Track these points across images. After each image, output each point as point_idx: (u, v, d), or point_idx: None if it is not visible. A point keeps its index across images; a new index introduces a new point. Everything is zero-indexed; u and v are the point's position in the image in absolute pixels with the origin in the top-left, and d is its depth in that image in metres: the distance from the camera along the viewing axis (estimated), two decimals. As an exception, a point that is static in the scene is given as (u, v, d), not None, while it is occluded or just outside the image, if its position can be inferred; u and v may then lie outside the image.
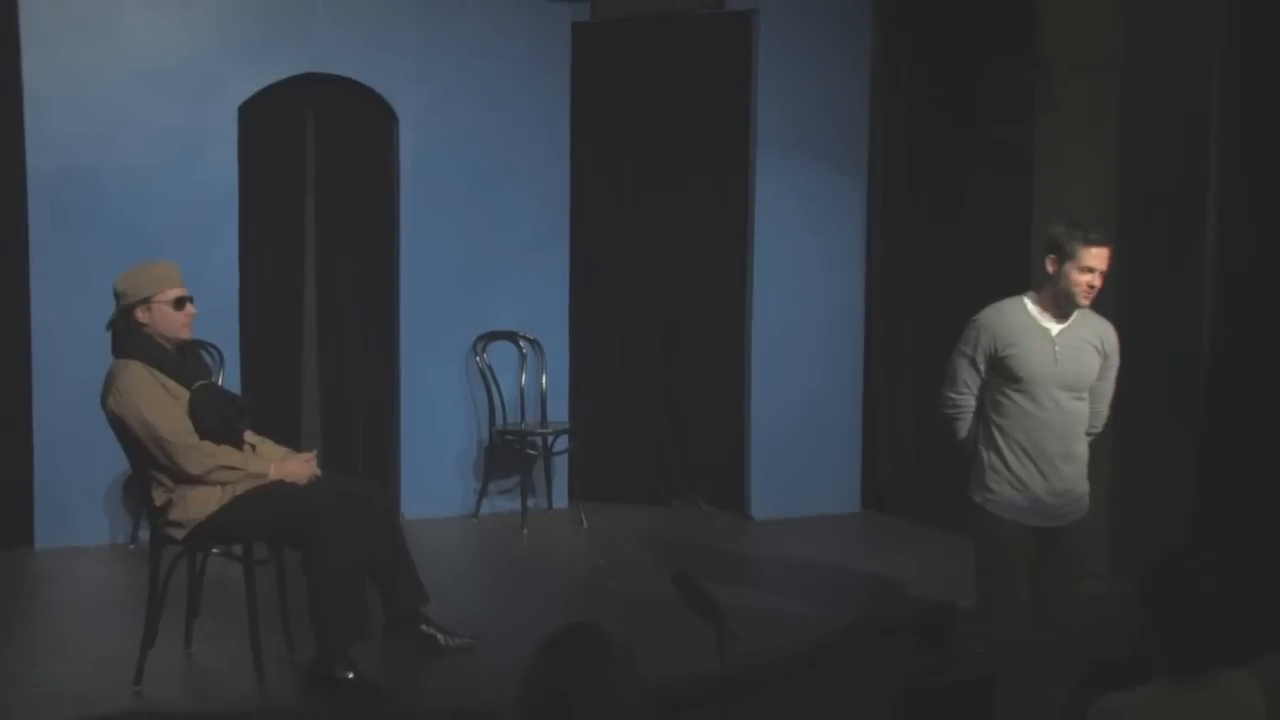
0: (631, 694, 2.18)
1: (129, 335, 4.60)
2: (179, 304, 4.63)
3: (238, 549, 4.72)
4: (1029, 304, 4.36)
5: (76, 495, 6.45)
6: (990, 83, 6.59)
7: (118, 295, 4.63)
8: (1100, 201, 5.93)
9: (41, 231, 6.44)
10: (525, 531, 6.93)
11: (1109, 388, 4.49)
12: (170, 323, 4.61)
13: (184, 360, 4.69)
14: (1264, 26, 5.18)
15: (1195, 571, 2.66)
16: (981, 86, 6.67)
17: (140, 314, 4.59)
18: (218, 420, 4.56)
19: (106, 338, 6.42)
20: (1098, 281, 4.28)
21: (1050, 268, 4.30)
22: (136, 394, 4.49)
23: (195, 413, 4.54)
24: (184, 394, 4.57)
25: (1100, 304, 4.70)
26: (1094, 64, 5.95)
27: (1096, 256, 4.25)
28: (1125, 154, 5.91)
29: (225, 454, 4.55)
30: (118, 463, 5.79)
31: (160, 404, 4.50)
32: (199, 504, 4.54)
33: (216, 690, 4.76)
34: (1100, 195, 5.94)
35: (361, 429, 7.17)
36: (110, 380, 4.57)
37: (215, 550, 4.79)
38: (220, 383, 5.73)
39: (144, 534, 5.91)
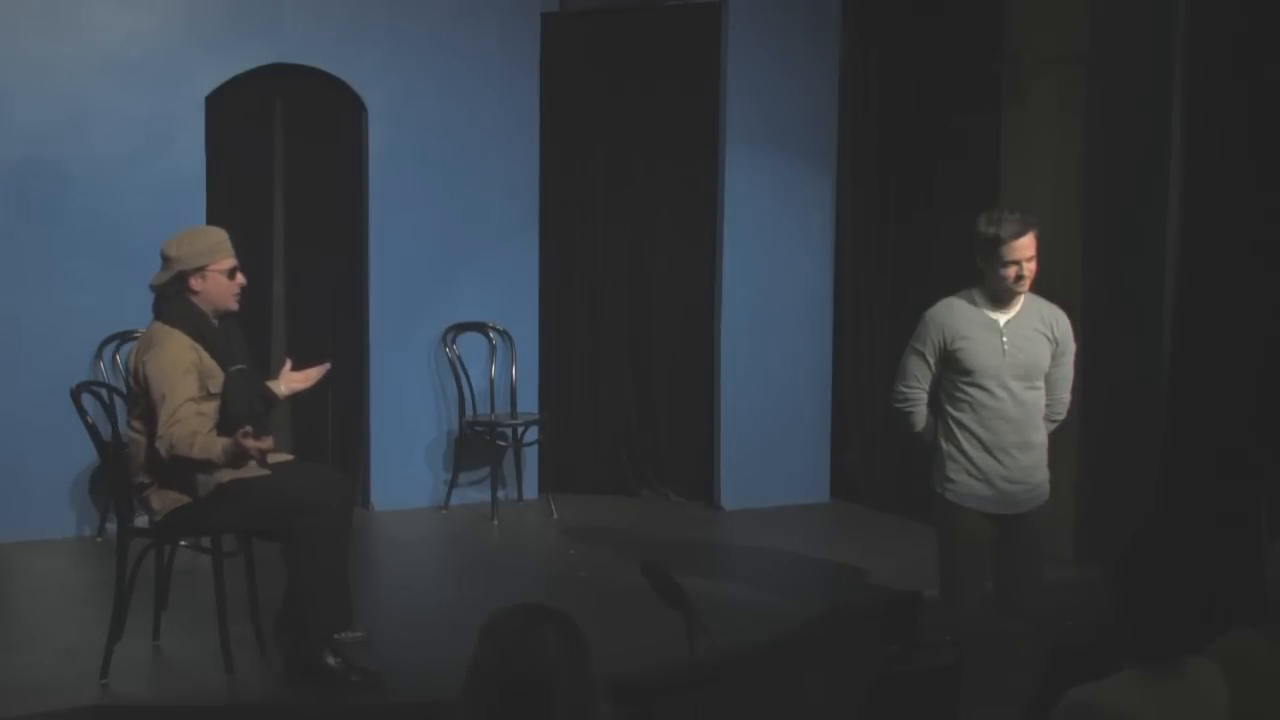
0: (596, 681, 2.20)
1: (178, 300, 4.56)
2: (232, 274, 4.63)
3: (206, 541, 4.70)
4: (977, 297, 4.42)
5: (42, 488, 6.40)
6: (958, 75, 6.64)
7: (169, 259, 4.59)
8: (1066, 192, 5.98)
9: (7, 222, 6.38)
10: (495, 523, 6.93)
11: (1066, 374, 4.54)
12: (224, 292, 4.60)
13: (227, 336, 4.65)
14: (1225, 20, 5.24)
15: (1166, 559, 2.69)
16: (949, 78, 6.72)
17: (195, 281, 4.57)
18: (246, 410, 4.50)
19: (76, 329, 6.41)
20: (1027, 270, 4.33)
21: (980, 265, 4.38)
22: (171, 368, 4.43)
23: (226, 397, 4.50)
24: (218, 374, 4.53)
25: (1065, 294, 4.75)
26: (1060, 57, 6.00)
27: (1016, 249, 4.31)
28: (1090, 146, 5.97)
29: (201, 448, 4.45)
30: (85, 455, 5.78)
31: (184, 389, 4.42)
32: (176, 498, 4.53)
33: (185, 683, 4.75)
34: (1066, 186, 6.00)
35: (331, 420, 7.15)
36: (150, 341, 4.53)
37: (184, 543, 4.77)
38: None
39: (111, 527, 5.88)
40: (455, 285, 7.19)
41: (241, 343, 4.74)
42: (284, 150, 7.05)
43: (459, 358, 7.17)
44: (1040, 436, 4.49)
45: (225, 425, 4.49)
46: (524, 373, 7.33)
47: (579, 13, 7.38)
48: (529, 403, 7.33)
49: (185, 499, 4.51)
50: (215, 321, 4.62)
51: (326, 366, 4.86)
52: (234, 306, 4.67)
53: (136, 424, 4.58)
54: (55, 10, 6.42)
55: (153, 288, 4.63)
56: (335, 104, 6.99)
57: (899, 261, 7.06)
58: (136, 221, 6.40)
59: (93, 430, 4.70)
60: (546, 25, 7.27)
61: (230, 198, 6.81)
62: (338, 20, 6.87)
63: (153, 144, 6.58)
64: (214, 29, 6.67)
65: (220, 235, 4.70)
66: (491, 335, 7.27)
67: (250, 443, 4.30)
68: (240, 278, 4.67)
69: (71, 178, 6.45)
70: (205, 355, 4.53)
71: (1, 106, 6.35)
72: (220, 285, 4.60)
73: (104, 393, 4.98)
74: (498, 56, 7.15)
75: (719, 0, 7.15)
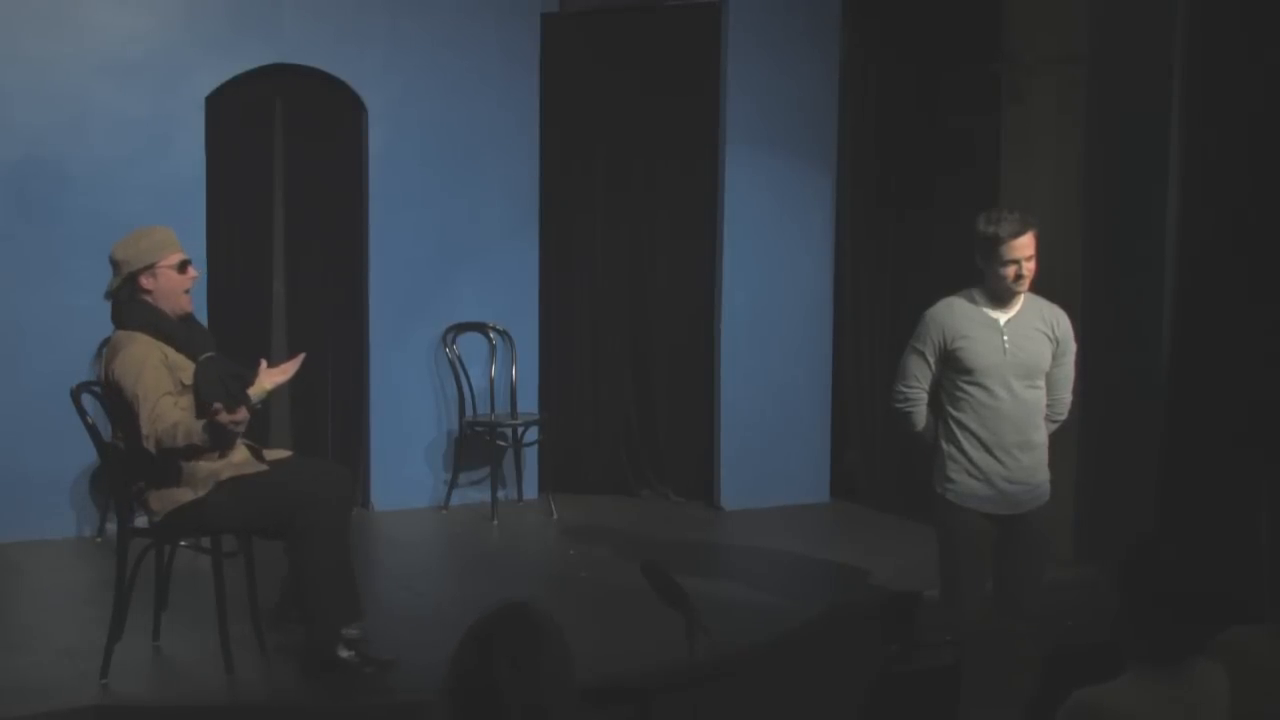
0: (562, 677, 2.20)
1: (133, 304, 4.56)
2: (182, 268, 4.62)
3: (206, 541, 4.71)
4: (977, 296, 4.42)
5: (42, 488, 6.40)
6: (958, 75, 6.64)
7: (118, 264, 4.58)
8: (1066, 192, 5.98)
9: (7, 222, 6.39)
10: (495, 523, 6.93)
11: (1067, 374, 4.54)
12: (175, 287, 4.58)
13: (189, 330, 4.64)
14: (1224, 21, 5.23)
15: (1173, 562, 2.69)
16: (949, 79, 6.72)
17: (145, 280, 4.56)
18: (222, 393, 4.48)
19: (76, 329, 6.40)
20: (1026, 269, 4.34)
21: (980, 264, 4.38)
22: (139, 367, 4.43)
23: (199, 386, 4.50)
24: (188, 365, 4.53)
25: (1065, 294, 4.73)
26: (1059, 58, 6.00)
27: (1015, 248, 4.31)
28: (1090, 146, 5.97)
29: (185, 435, 4.45)
30: (84, 455, 5.78)
31: (155, 384, 4.43)
32: (176, 498, 4.53)
33: (185, 683, 4.76)
34: (1066, 186, 6.00)
35: (331, 420, 7.15)
36: (114, 349, 4.53)
37: (183, 543, 4.77)
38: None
39: (111, 527, 5.88)
40: (455, 285, 7.19)
41: (206, 334, 4.74)
42: (284, 150, 7.05)
43: (459, 358, 7.17)
44: (1041, 436, 4.49)
45: (202, 413, 4.49)
46: (524, 373, 7.33)
47: (579, 13, 7.38)
48: (529, 403, 7.33)
49: (185, 498, 4.51)
50: (173, 317, 4.60)
51: (302, 356, 4.83)
52: (188, 304, 4.65)
53: (120, 433, 4.58)
54: (55, 10, 6.42)
55: (108, 296, 4.63)
56: (335, 104, 6.99)
57: (899, 261, 7.06)
58: (136, 221, 6.29)
59: (93, 430, 4.70)
60: (546, 25, 7.27)
61: (230, 198, 6.82)
62: (338, 20, 6.87)
63: (153, 144, 6.58)
64: (214, 29, 6.67)
65: (166, 232, 4.69)
66: (491, 335, 7.27)
67: (224, 417, 4.30)
68: (192, 271, 4.66)
69: (71, 178, 6.46)
70: (171, 351, 4.53)
71: (1, 106, 6.36)
72: (172, 281, 4.58)
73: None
74: (498, 56, 7.16)
75: (719, 0, 7.15)
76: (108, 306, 4.65)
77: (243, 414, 4.36)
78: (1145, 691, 2.62)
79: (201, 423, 4.39)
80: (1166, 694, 2.63)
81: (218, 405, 4.33)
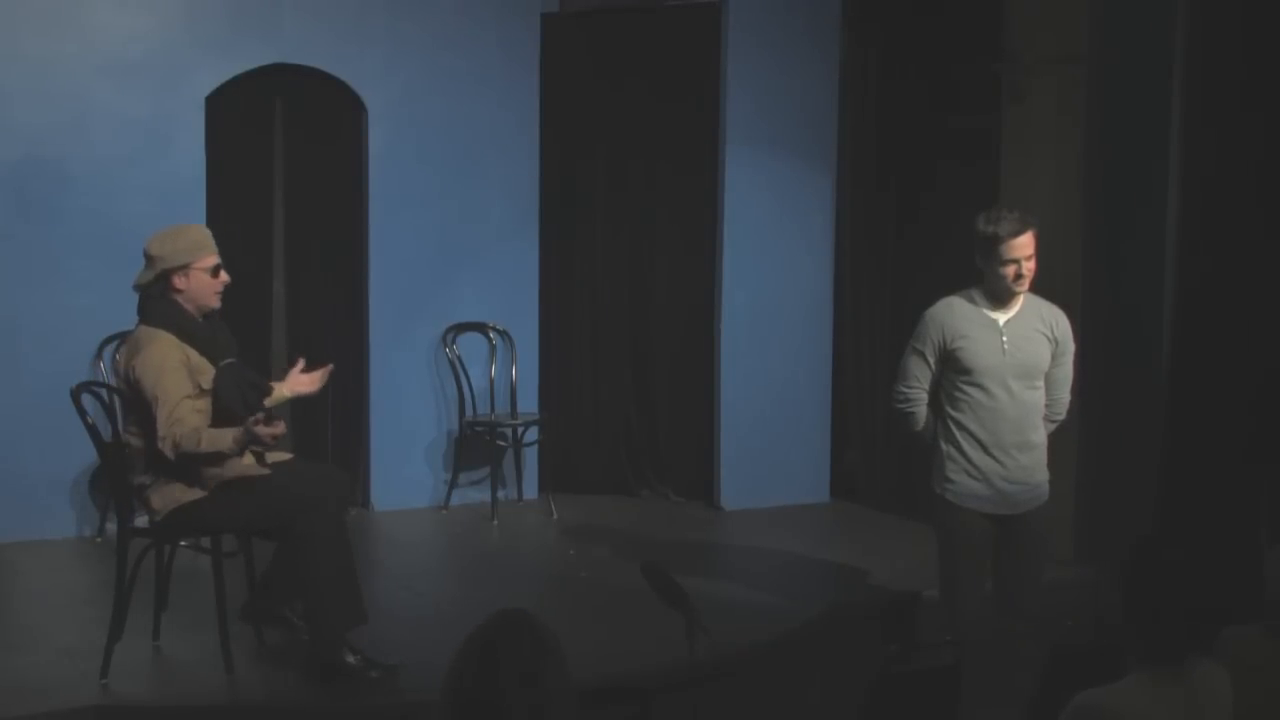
0: (564, 690, 2.19)
1: (162, 301, 4.55)
2: (215, 271, 4.61)
3: (206, 541, 4.71)
4: (976, 296, 4.43)
5: (42, 488, 6.41)
6: (958, 75, 6.65)
7: (153, 259, 4.56)
8: (1066, 192, 5.99)
9: (7, 222, 6.39)
10: (495, 523, 6.93)
11: (1066, 374, 4.54)
12: (206, 290, 4.58)
13: (213, 332, 4.63)
14: (1225, 21, 5.24)
15: (1176, 563, 2.69)
16: (950, 78, 6.73)
17: (178, 280, 4.55)
18: (239, 402, 4.49)
19: (76, 329, 6.40)
20: (1026, 268, 4.34)
21: (980, 264, 4.39)
22: (160, 368, 4.43)
23: (217, 392, 4.49)
24: (209, 369, 4.53)
25: (1065, 294, 4.73)
26: (1060, 57, 6.01)
27: (1015, 247, 4.31)
28: (1090, 145, 5.97)
29: (209, 441, 4.46)
30: (84, 455, 5.79)
31: (176, 387, 4.43)
32: (177, 497, 4.53)
33: (185, 683, 4.75)
34: (1066, 186, 6.00)
35: (331, 420, 7.15)
36: (137, 345, 4.52)
37: (184, 543, 4.77)
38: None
39: (111, 527, 5.88)
40: (455, 285, 7.19)
41: (229, 337, 4.72)
42: (284, 150, 7.05)
43: (459, 358, 7.17)
44: (1040, 436, 4.49)
45: (219, 419, 4.49)
46: (524, 373, 7.33)
47: (579, 13, 7.38)
48: (529, 403, 7.33)
49: (187, 497, 4.51)
50: (200, 319, 4.61)
51: (330, 368, 4.85)
52: (216, 304, 4.65)
53: (133, 428, 4.58)
54: (55, 10, 6.42)
55: (136, 288, 4.62)
56: (335, 104, 6.99)
57: (899, 261, 7.06)
58: (136, 221, 6.35)
59: (93, 430, 4.70)
60: (546, 25, 7.27)
61: (230, 198, 6.81)
62: (338, 20, 6.87)
63: (153, 144, 6.59)
64: (214, 29, 6.67)
65: (203, 233, 4.69)
66: (491, 335, 7.27)
67: (263, 429, 4.32)
68: (224, 275, 4.65)
69: (71, 178, 6.46)
70: (193, 353, 4.52)
71: (1, 106, 6.35)
72: (203, 283, 4.58)
73: (104, 393, 4.98)
74: (498, 56, 7.16)
75: (719, 0, 7.15)
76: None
77: (280, 428, 4.38)
78: (1148, 693, 2.63)
79: (232, 432, 4.40)
80: (1169, 695, 2.63)
81: (259, 416, 4.34)
